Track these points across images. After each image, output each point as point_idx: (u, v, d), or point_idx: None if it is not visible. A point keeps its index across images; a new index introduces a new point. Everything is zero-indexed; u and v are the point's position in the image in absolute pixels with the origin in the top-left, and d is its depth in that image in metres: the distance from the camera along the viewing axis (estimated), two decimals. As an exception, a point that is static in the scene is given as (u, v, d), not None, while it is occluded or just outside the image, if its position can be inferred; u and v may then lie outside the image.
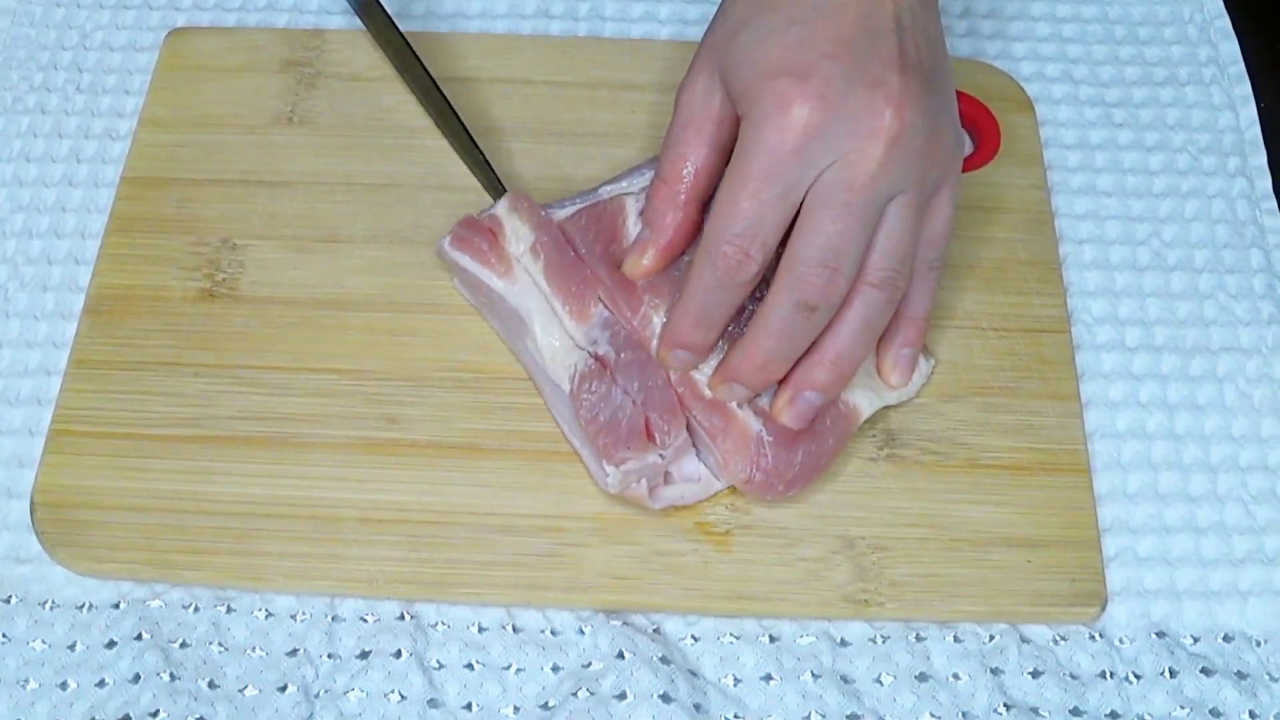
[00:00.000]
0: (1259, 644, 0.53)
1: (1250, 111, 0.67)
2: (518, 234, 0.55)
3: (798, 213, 0.49)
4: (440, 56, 0.65)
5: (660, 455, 0.51)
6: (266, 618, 0.52)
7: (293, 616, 0.52)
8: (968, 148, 0.65)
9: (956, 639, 0.53)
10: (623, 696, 0.50)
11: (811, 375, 0.52)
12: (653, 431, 0.51)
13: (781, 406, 0.52)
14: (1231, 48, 0.69)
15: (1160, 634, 0.53)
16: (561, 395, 0.53)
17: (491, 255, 0.55)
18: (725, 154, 0.51)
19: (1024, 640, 0.53)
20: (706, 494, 0.54)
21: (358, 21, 0.67)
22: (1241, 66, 0.69)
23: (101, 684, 0.51)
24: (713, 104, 0.51)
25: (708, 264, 0.50)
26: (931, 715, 0.51)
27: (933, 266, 0.54)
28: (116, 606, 0.52)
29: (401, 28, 0.65)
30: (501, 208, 0.56)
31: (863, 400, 0.55)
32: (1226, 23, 0.70)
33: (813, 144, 0.47)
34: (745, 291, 0.50)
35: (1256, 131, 0.66)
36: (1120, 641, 0.53)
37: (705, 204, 0.53)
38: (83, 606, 0.52)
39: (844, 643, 0.53)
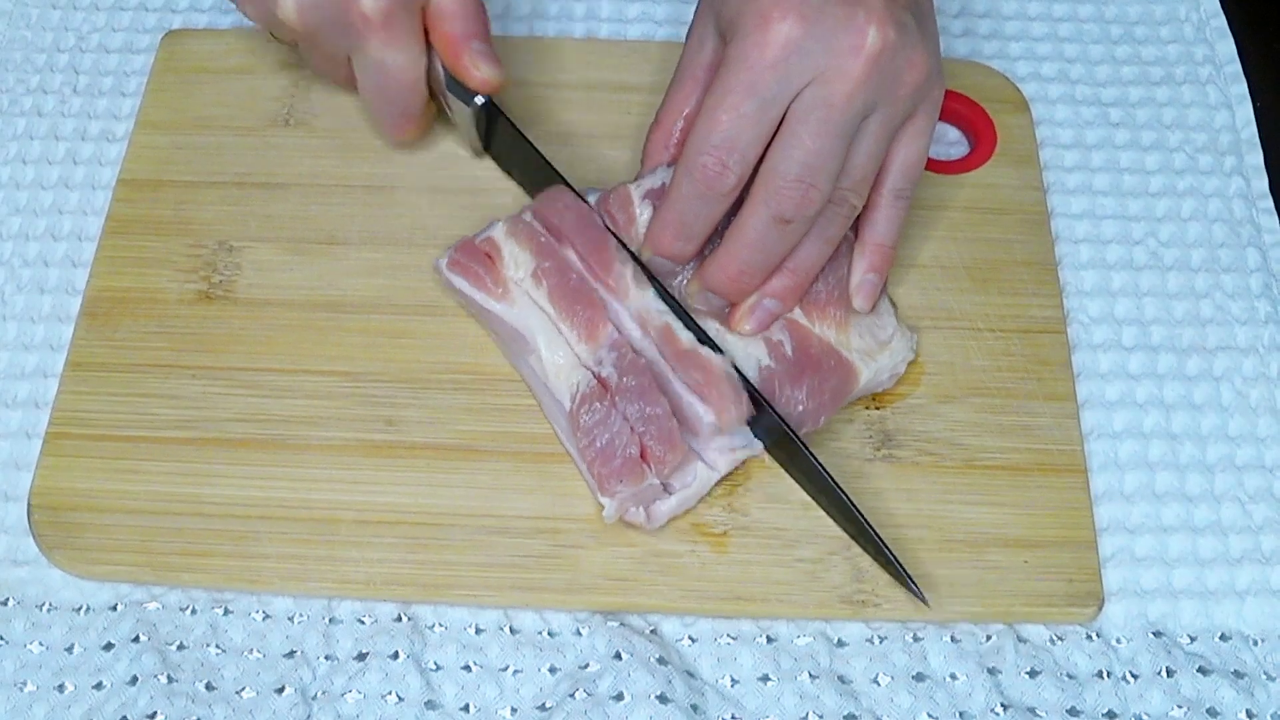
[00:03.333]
0: (1256, 643, 0.53)
1: (1246, 110, 0.67)
2: (516, 260, 0.55)
3: (778, 126, 0.50)
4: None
5: (655, 480, 0.52)
6: (264, 620, 0.52)
7: (290, 618, 0.52)
8: (964, 148, 0.65)
9: (954, 639, 0.53)
10: (620, 697, 0.51)
11: (770, 283, 0.53)
12: (649, 459, 0.51)
13: (744, 314, 0.54)
14: (1228, 47, 0.69)
15: (1157, 633, 0.53)
16: (562, 409, 0.53)
17: (488, 279, 0.55)
18: None
19: (1021, 640, 0.53)
20: (703, 493, 0.54)
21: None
22: (1238, 65, 0.69)
23: (99, 686, 0.51)
24: (706, 51, 0.53)
25: (686, 175, 0.51)
26: (929, 715, 0.51)
27: (900, 195, 0.54)
28: (114, 609, 0.52)
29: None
30: (499, 232, 0.56)
31: (858, 360, 0.55)
32: (1222, 22, 0.70)
33: (791, 59, 0.48)
34: (724, 203, 0.51)
35: (1253, 130, 0.66)
36: (1117, 641, 0.53)
37: None
38: (80, 609, 0.53)
39: (841, 643, 0.53)
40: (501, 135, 0.60)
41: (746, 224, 0.51)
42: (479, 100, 0.58)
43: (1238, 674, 0.52)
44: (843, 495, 0.52)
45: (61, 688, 0.51)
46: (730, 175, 0.50)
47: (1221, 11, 0.71)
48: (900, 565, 0.51)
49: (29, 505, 0.53)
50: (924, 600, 0.52)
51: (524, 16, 0.69)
